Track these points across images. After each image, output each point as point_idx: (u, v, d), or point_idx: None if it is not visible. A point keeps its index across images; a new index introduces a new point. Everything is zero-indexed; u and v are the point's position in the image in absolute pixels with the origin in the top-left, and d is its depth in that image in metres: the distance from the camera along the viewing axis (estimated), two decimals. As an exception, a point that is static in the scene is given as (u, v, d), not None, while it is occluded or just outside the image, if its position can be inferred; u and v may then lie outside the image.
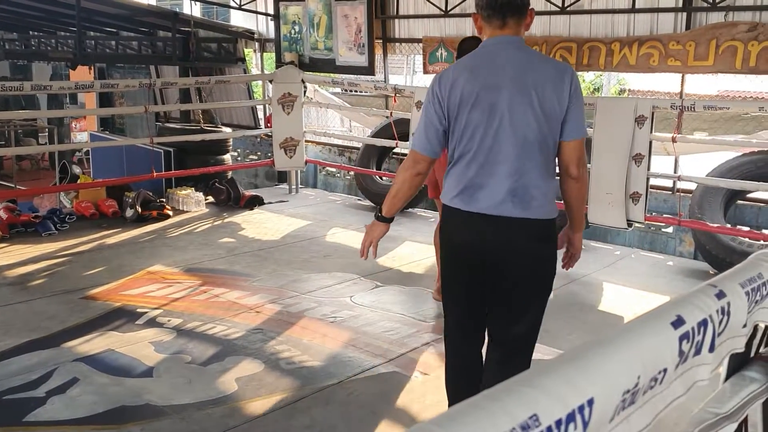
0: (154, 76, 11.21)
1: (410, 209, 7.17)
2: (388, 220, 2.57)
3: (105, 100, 13.67)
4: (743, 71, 5.37)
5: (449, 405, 2.67)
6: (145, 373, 3.34)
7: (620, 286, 4.95)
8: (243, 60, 9.76)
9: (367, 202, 7.46)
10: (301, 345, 3.73)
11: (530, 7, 2.36)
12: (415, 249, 5.70)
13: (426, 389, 3.27)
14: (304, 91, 7.59)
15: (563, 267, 2.57)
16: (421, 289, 4.70)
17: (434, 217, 7.18)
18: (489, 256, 2.35)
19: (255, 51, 9.66)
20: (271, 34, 8.88)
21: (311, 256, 5.41)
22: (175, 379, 3.29)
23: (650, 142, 5.18)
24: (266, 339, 3.79)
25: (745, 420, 1.09)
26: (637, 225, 5.55)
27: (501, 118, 2.26)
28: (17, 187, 10.52)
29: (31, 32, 12.23)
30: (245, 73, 9.79)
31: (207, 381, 3.28)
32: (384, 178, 7.48)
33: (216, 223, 6.52)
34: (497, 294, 2.42)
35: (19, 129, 12.77)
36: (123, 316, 4.08)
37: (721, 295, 0.84)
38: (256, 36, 9.40)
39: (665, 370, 0.72)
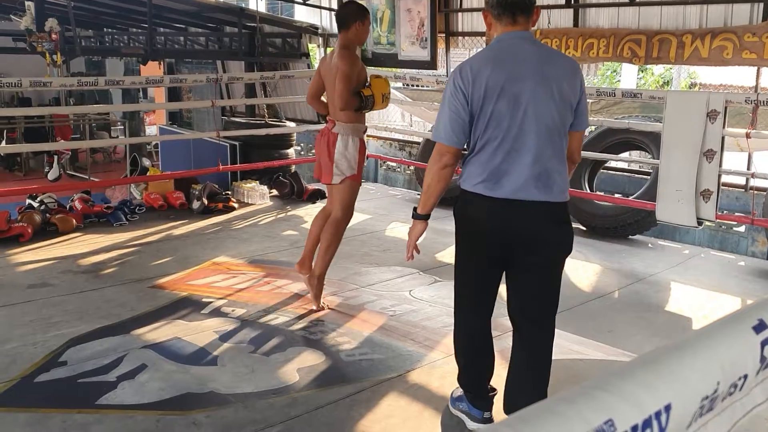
0: (220, 71, 11.46)
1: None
2: (425, 218, 2.72)
3: (173, 94, 14.06)
4: (825, 64, 5.12)
5: (461, 374, 2.89)
6: (210, 362, 3.43)
7: (689, 286, 4.80)
8: (307, 55, 9.87)
9: (428, 197, 7.43)
10: (361, 337, 3.75)
11: (536, 6, 2.55)
12: (476, 244, 5.66)
13: (486, 386, 3.25)
14: (367, 86, 7.61)
15: None
16: (481, 285, 4.67)
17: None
18: (514, 238, 2.51)
19: (318, 46, 9.75)
20: (335, 29, 8.94)
21: (371, 250, 5.44)
22: (238, 368, 3.36)
23: (723, 138, 4.99)
24: (327, 330, 3.83)
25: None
26: (707, 223, 5.36)
27: (525, 108, 2.41)
28: (91, 178, 10.94)
29: (105, 29, 12.67)
30: (309, 68, 9.90)
31: (269, 371, 3.34)
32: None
33: (279, 215, 6.62)
34: (523, 271, 2.58)
35: (93, 123, 13.27)
36: (189, 306, 4.19)
37: (805, 299, 0.81)
38: (319, 31, 9.49)
39: (746, 376, 0.69)
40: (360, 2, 4.26)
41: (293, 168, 8.08)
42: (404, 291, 4.52)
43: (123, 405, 2.99)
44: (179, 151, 8.81)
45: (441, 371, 3.37)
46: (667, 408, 0.57)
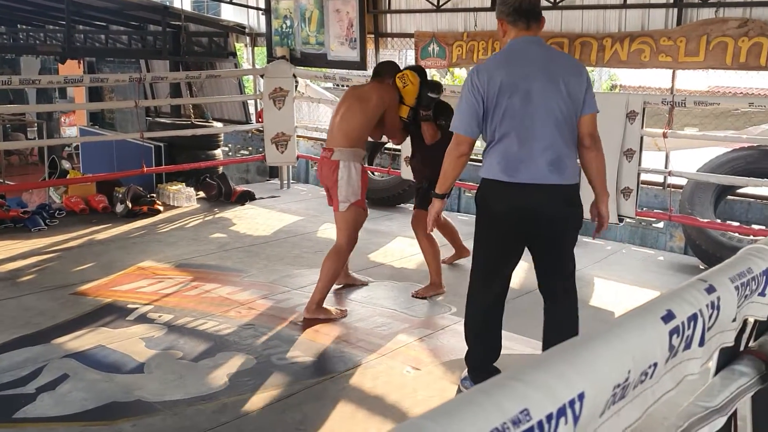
0: (144, 70, 11.15)
1: (402, 204, 7.17)
2: (443, 197, 3.09)
3: (94, 94, 13.59)
4: (733, 67, 5.39)
5: (468, 352, 3.14)
6: (136, 369, 3.33)
7: (611, 281, 4.97)
8: (234, 54, 9.72)
9: (359, 198, 7.44)
10: (292, 340, 3.72)
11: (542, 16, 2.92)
12: (407, 244, 5.70)
13: (417, 384, 3.28)
14: (296, 86, 7.56)
15: (593, 237, 3.25)
16: (412, 284, 4.70)
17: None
18: (531, 219, 2.79)
19: (246, 45, 9.62)
20: (263, 29, 8.84)
21: (303, 252, 5.40)
22: (166, 374, 3.28)
23: (641, 138, 5.20)
24: (258, 335, 3.78)
25: (735, 413, 1.09)
26: (628, 220, 5.57)
27: (536, 102, 2.72)
28: (5, 182, 10.44)
29: (19, 26, 12.14)
30: (236, 67, 9.75)
31: (198, 377, 3.27)
32: (376, 173, 7.46)
33: (207, 218, 6.50)
34: (543, 247, 2.93)
35: (7, 123, 12.66)
36: (113, 312, 4.07)
37: (711, 289, 0.85)
38: (247, 30, 9.36)
39: (655, 365, 0.72)
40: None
41: (221, 169, 7.94)
42: (337, 292, 4.50)
43: (43, 417, 2.88)
44: (101, 153, 8.52)
45: (374, 372, 3.38)
46: (581, 396, 0.59)
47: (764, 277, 0.99)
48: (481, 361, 3.09)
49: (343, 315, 4.05)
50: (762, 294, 1.01)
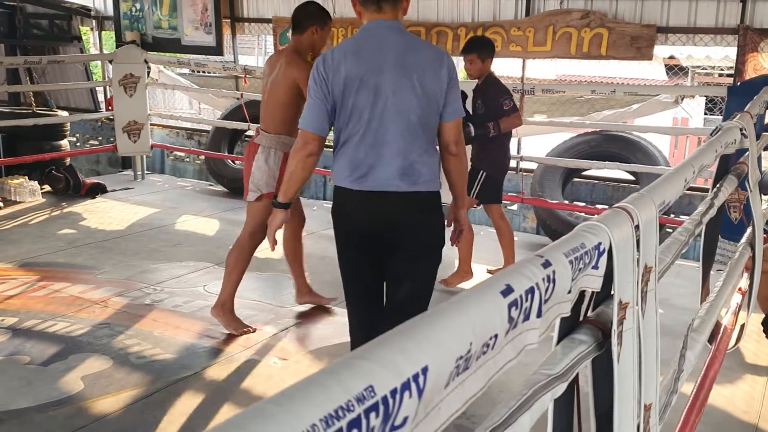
0: (-25, 54, 10.19)
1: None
2: (286, 206, 2.66)
3: None
4: (577, 56, 5.76)
5: None
6: (-24, 379, 3.07)
7: (473, 263, 5.16)
8: (79, 39, 9.11)
9: (220, 187, 7.26)
10: (151, 338, 3.58)
11: None
12: (271, 233, 5.64)
13: (284, 375, 3.27)
14: (148, 72, 7.23)
15: (451, 243, 2.72)
16: (277, 275, 4.66)
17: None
18: (384, 230, 2.46)
19: (92, 29, 9.05)
20: (110, 11, 8.35)
21: (160, 245, 5.20)
22: (11, 382, 3.05)
23: (494, 124, 5.42)
24: (114, 334, 3.60)
25: (576, 379, 1.18)
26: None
27: (386, 100, 2.35)
28: None
29: None
30: (82, 52, 9.15)
31: (49, 382, 3.08)
32: (237, 161, 7.30)
33: (54, 213, 6.08)
34: (393, 262, 2.53)
35: None
36: (-53, 319, 3.72)
37: (546, 264, 0.90)
38: (93, 13, 8.80)
39: (496, 336, 0.76)
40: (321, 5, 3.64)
41: (68, 161, 7.45)
42: (198, 286, 4.37)
43: None
44: (-72, 145, 7.72)
45: (238, 365, 3.33)
46: (425, 370, 0.61)
47: (596, 252, 1.07)
48: None
49: (252, 330, 3.70)
50: (595, 267, 1.09)
